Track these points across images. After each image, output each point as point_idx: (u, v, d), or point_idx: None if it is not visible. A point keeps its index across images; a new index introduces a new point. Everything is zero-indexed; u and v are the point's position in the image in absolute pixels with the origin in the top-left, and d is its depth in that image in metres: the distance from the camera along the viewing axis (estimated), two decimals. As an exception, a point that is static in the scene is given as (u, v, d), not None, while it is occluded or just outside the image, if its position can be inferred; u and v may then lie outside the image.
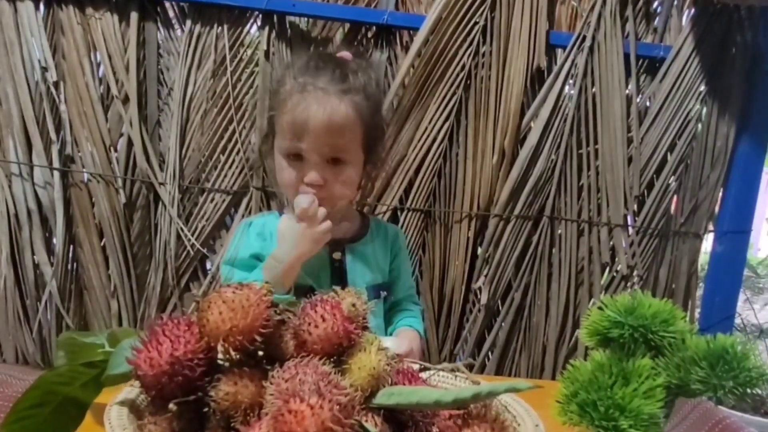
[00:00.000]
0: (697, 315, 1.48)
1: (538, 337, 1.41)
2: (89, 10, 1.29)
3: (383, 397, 0.46)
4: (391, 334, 1.01)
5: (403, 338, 0.97)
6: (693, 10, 1.37)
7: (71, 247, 1.35)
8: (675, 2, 1.37)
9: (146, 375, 0.44)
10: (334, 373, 0.43)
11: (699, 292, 1.49)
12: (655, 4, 1.38)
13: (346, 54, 0.97)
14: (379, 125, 0.98)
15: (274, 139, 0.95)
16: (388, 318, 1.06)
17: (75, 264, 1.36)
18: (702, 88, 1.37)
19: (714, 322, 1.39)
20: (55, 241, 1.33)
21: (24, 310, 1.34)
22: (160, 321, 0.47)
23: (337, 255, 0.97)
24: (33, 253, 1.33)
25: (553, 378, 1.40)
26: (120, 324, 1.35)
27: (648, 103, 1.40)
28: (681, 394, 0.52)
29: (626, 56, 1.35)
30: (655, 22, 1.38)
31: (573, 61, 1.35)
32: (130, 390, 0.52)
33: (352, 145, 0.92)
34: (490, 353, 1.42)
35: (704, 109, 1.39)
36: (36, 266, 1.33)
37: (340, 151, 0.90)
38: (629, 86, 1.36)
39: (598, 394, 0.50)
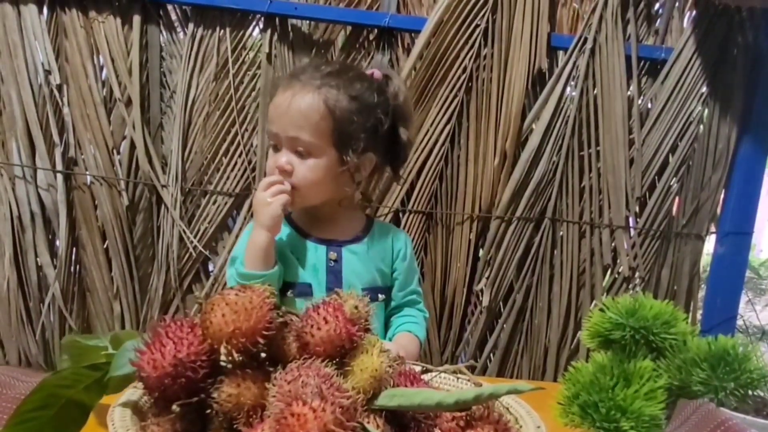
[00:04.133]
0: (699, 316, 1.47)
1: (540, 338, 1.41)
2: (92, 14, 1.29)
3: (385, 399, 0.47)
4: (390, 339, 1.01)
5: (393, 344, 0.96)
6: (694, 12, 1.37)
7: (74, 249, 1.35)
8: (676, 4, 1.37)
9: (149, 376, 0.45)
10: (337, 375, 0.44)
11: (701, 294, 1.49)
12: (657, 6, 1.38)
13: (376, 72, 1.00)
14: (358, 124, 0.94)
15: None
16: (388, 322, 1.06)
17: (78, 266, 1.36)
18: (703, 89, 1.37)
19: (716, 323, 1.39)
20: (58, 243, 1.33)
21: (27, 312, 1.34)
22: (163, 323, 0.47)
23: (333, 255, 0.98)
24: (36, 256, 1.33)
25: (555, 380, 1.40)
26: (123, 326, 1.35)
27: (649, 105, 1.40)
28: (682, 395, 0.52)
29: (627, 58, 1.35)
30: (657, 24, 1.39)
31: (574, 63, 1.35)
32: (133, 391, 0.52)
33: (318, 137, 0.92)
34: (491, 355, 1.42)
35: (706, 111, 1.39)
36: (39, 268, 1.34)
37: (303, 143, 0.92)
38: (630, 88, 1.36)
39: (600, 396, 0.50)
